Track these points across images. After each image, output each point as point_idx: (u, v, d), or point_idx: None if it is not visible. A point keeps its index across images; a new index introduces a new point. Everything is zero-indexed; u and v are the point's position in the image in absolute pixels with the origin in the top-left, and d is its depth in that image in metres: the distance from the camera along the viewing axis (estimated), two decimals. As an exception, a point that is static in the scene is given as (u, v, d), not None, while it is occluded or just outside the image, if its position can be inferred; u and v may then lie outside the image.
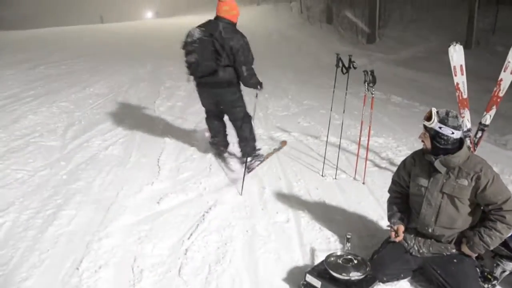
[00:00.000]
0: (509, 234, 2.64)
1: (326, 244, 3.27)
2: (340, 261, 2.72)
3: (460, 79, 4.22)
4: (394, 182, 3.10)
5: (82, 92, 7.90)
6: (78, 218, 3.55)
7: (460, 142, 2.63)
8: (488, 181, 2.53)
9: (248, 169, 4.58)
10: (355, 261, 2.71)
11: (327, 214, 3.75)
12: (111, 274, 2.87)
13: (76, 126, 5.94)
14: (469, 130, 4.21)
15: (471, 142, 4.22)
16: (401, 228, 2.85)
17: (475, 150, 4.26)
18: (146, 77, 9.76)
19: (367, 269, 2.65)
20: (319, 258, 3.02)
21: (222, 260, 3.05)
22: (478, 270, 2.73)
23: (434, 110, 2.60)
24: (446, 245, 2.75)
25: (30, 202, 3.75)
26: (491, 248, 2.64)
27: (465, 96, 4.22)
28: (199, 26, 4.30)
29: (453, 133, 2.56)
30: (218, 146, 4.98)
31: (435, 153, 2.64)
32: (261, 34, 18.24)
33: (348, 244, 2.86)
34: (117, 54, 13.19)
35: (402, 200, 3.02)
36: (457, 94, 4.26)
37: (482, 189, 2.55)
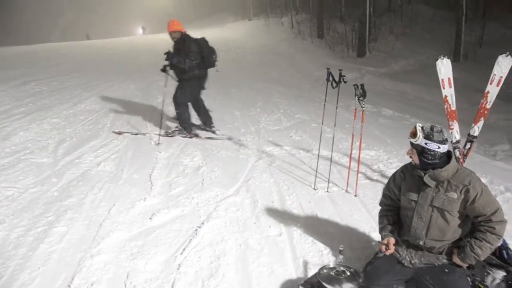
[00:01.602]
0: (499, 244, 2.67)
1: (319, 257, 3.28)
2: (333, 273, 2.72)
3: (449, 91, 4.29)
4: (384, 195, 3.11)
5: (73, 108, 7.89)
6: (69, 235, 3.53)
7: (448, 156, 2.66)
8: (477, 193, 2.56)
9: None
10: (348, 273, 2.72)
11: (319, 227, 3.76)
12: (104, 291, 2.85)
13: (67, 142, 5.92)
14: (458, 141, 4.27)
15: (460, 154, 4.27)
16: (392, 241, 2.86)
17: (464, 161, 4.31)
18: (138, 93, 9.78)
19: (360, 280, 2.66)
20: (312, 271, 3.02)
21: (215, 274, 3.04)
22: (469, 279, 2.75)
23: (418, 127, 2.62)
24: (437, 255, 2.77)
25: (20, 220, 3.72)
26: (482, 259, 2.66)
27: (453, 108, 4.28)
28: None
29: (439, 147, 2.58)
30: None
31: (423, 168, 2.67)
32: (253, 49, 18.43)
33: (341, 257, 2.86)
34: (108, 70, 13.21)
35: (393, 212, 3.04)
36: (445, 106, 4.32)
37: (471, 201, 2.58)
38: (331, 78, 4.67)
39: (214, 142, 6.29)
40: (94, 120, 7.18)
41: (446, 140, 2.62)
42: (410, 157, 2.73)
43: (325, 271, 2.78)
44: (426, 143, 2.58)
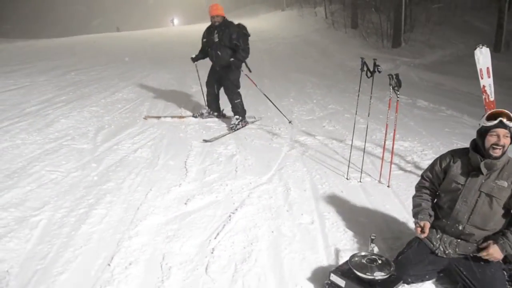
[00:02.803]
0: None
1: (350, 245, 3.30)
2: (365, 261, 2.74)
3: (487, 81, 4.18)
4: (425, 178, 3.02)
5: (111, 97, 8.14)
6: (109, 217, 3.68)
7: None
8: None
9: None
10: (379, 261, 2.72)
11: (351, 216, 3.77)
12: (141, 271, 2.97)
13: (106, 129, 6.13)
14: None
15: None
16: (427, 225, 2.79)
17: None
18: (173, 82, 9.96)
19: (391, 269, 2.66)
20: (343, 258, 3.05)
21: (248, 259, 3.11)
22: (505, 273, 2.71)
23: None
24: (473, 245, 2.71)
25: (63, 202, 3.91)
26: None
27: (491, 98, 4.17)
28: None
29: None
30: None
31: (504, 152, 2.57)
32: (286, 39, 18.36)
33: (373, 245, 2.87)
34: (143, 60, 13.50)
35: (431, 197, 2.97)
36: (483, 96, 4.22)
37: None
38: (365, 68, 4.63)
39: (248, 131, 6.36)
40: (131, 109, 7.39)
41: None
42: (494, 144, 2.55)
43: (356, 258, 2.79)
44: None
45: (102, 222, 3.59)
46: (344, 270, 2.73)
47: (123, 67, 11.85)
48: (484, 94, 4.20)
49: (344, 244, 3.31)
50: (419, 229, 2.80)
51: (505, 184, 2.57)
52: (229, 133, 6.19)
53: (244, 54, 6.23)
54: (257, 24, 23.12)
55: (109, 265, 3.01)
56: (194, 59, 6.81)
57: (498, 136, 2.54)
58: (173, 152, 5.32)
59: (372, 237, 2.87)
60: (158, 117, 6.75)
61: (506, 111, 2.54)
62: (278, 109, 6.96)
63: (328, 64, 14.00)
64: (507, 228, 2.67)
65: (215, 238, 3.39)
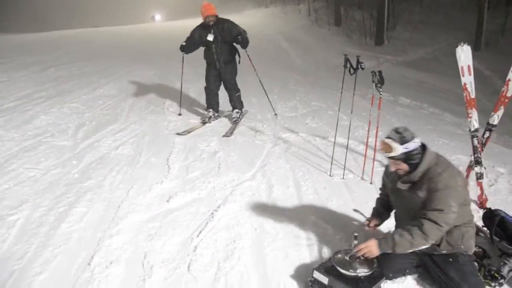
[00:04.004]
0: (423, 246, 2.61)
1: (333, 242, 3.31)
2: (347, 258, 2.76)
3: (468, 79, 4.22)
4: (381, 188, 3.23)
5: (92, 93, 7.99)
6: (89, 215, 3.62)
7: (422, 147, 2.62)
8: (438, 188, 2.51)
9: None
10: (362, 258, 2.74)
11: (334, 213, 3.79)
12: (122, 270, 2.93)
13: (86, 126, 6.02)
14: (476, 130, 4.21)
15: (479, 143, 4.22)
16: (374, 221, 3.06)
17: (482, 150, 4.27)
18: (155, 78, 9.85)
19: (374, 265, 2.68)
20: (327, 255, 3.07)
21: (231, 257, 3.09)
22: (476, 264, 2.79)
23: (387, 140, 2.56)
24: (434, 246, 2.72)
25: (42, 200, 3.83)
26: (397, 251, 2.60)
27: (472, 96, 4.22)
28: None
29: (415, 141, 2.55)
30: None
31: (414, 168, 2.61)
32: (269, 36, 18.31)
33: (355, 242, 2.88)
34: (126, 56, 13.30)
35: (387, 202, 3.12)
36: (464, 94, 4.26)
37: (428, 190, 2.56)
38: (348, 65, 4.64)
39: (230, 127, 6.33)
40: (112, 105, 7.27)
41: (413, 132, 2.59)
42: (397, 169, 2.66)
43: (339, 255, 2.82)
44: (406, 147, 2.52)
45: (82, 220, 3.53)
46: (327, 267, 2.74)
47: (105, 63, 11.65)
48: (465, 91, 4.24)
49: (327, 241, 3.32)
50: (367, 222, 3.10)
51: (422, 194, 2.61)
52: (234, 126, 6.33)
53: (246, 40, 6.25)
54: (241, 21, 22.72)
55: (89, 264, 2.96)
56: (186, 49, 6.42)
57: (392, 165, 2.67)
58: (155, 149, 5.26)
59: (355, 234, 2.88)
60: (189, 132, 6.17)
61: (384, 142, 2.59)
62: (268, 99, 7.01)
63: (311, 61, 14.02)
64: (460, 227, 2.69)
65: (197, 236, 3.36)
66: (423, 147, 2.63)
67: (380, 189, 3.24)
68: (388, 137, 2.56)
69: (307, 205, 3.93)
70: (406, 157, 2.57)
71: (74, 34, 20.03)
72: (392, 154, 2.55)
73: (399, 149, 2.52)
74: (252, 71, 6.58)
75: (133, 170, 4.62)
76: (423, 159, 2.57)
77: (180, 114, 6.86)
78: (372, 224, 3.07)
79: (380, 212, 3.13)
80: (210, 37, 6.18)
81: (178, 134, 5.86)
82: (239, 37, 6.11)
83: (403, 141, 2.52)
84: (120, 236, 3.33)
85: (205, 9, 6.13)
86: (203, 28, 6.26)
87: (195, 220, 3.60)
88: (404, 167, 2.62)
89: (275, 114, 6.82)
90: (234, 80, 6.58)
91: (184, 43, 6.38)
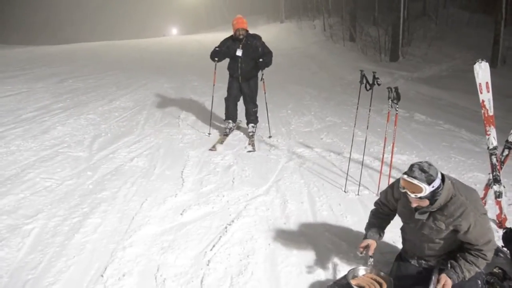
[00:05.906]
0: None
1: (348, 259, 3.26)
2: (363, 276, 2.71)
3: (486, 96, 4.17)
4: (381, 203, 3.03)
5: (108, 105, 8.09)
6: (103, 226, 3.63)
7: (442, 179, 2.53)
8: (470, 225, 2.51)
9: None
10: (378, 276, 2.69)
11: (349, 230, 3.74)
12: (135, 282, 2.92)
13: (102, 137, 6.08)
14: (495, 148, 4.14)
15: (497, 161, 4.15)
16: (373, 244, 2.86)
17: (501, 168, 4.19)
18: (171, 91, 9.94)
19: (390, 284, 2.63)
20: (341, 273, 3.01)
21: (244, 272, 3.06)
22: (479, 282, 2.70)
23: (415, 182, 2.41)
24: (438, 260, 2.79)
25: (57, 210, 3.85)
26: (467, 278, 2.61)
27: (491, 113, 4.16)
28: None
29: (439, 177, 2.48)
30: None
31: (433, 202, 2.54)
32: (284, 51, 18.39)
33: (371, 259, 2.84)
34: (142, 69, 13.47)
35: (385, 216, 3.04)
36: (482, 111, 4.21)
37: (464, 232, 2.55)
38: (364, 81, 4.63)
39: (244, 142, 6.31)
40: (128, 117, 7.34)
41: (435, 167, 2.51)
42: (417, 205, 2.56)
43: (354, 273, 2.77)
44: (433, 186, 2.44)
45: (96, 231, 3.54)
46: (342, 285, 2.69)
47: (121, 75, 11.81)
48: (483, 108, 4.19)
49: (341, 258, 3.27)
50: (361, 249, 2.86)
51: (443, 226, 2.59)
52: (253, 141, 6.33)
53: (269, 62, 6.32)
54: (256, 36, 23.15)
55: (102, 276, 2.96)
56: (219, 55, 6.35)
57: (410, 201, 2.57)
58: (169, 162, 5.27)
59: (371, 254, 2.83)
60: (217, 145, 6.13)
61: (411, 182, 2.46)
62: (268, 121, 6.91)
63: (326, 77, 14.04)
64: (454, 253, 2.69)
65: (211, 250, 3.34)
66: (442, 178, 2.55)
67: (380, 203, 3.05)
68: (414, 177, 2.43)
69: (322, 221, 3.89)
70: (432, 195, 2.48)
71: (92, 47, 20.38)
72: (420, 195, 2.46)
73: (427, 190, 2.42)
74: (266, 85, 6.56)
75: (148, 182, 4.63)
76: (442, 193, 2.50)
77: (209, 134, 6.64)
78: (372, 249, 2.85)
79: (382, 227, 3.00)
80: (239, 52, 6.24)
81: (210, 150, 5.83)
82: (264, 57, 6.20)
83: (430, 181, 2.42)
84: (133, 248, 3.32)
85: (236, 22, 6.24)
86: (233, 40, 6.33)
87: (209, 234, 3.59)
88: (427, 203, 2.54)
89: (270, 137, 6.62)
90: (255, 95, 6.61)
91: (217, 48, 6.36)
